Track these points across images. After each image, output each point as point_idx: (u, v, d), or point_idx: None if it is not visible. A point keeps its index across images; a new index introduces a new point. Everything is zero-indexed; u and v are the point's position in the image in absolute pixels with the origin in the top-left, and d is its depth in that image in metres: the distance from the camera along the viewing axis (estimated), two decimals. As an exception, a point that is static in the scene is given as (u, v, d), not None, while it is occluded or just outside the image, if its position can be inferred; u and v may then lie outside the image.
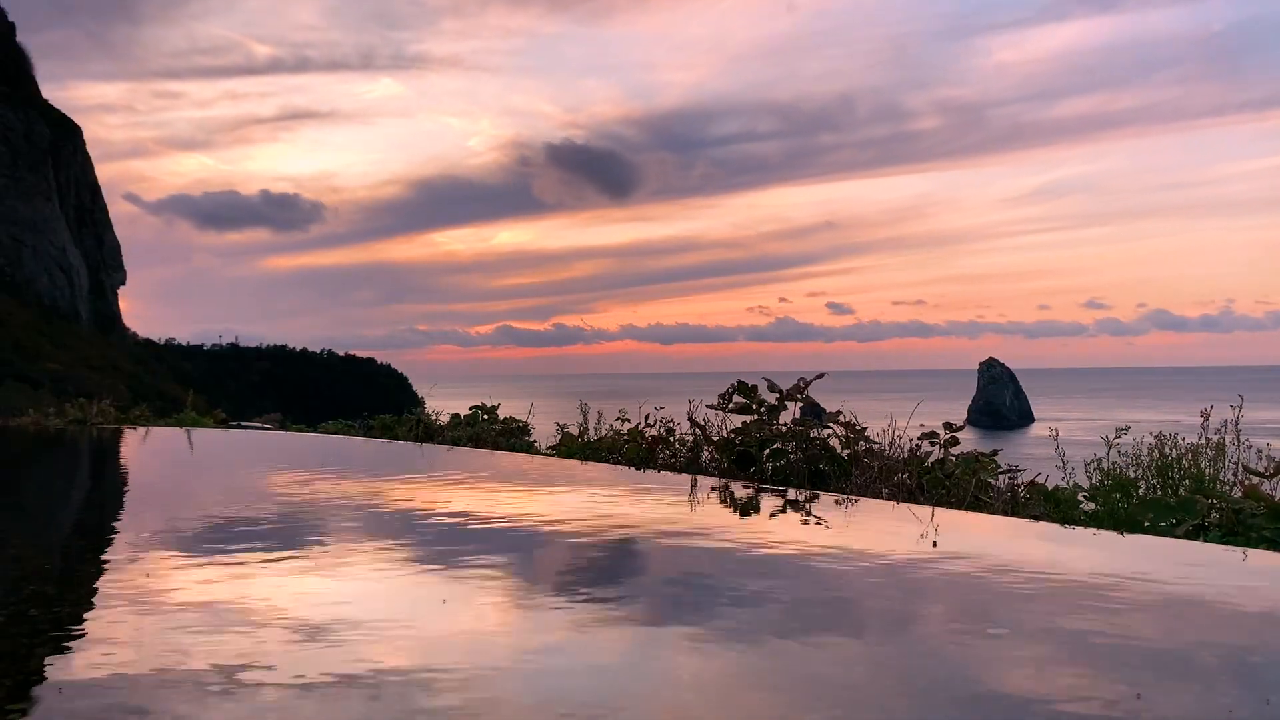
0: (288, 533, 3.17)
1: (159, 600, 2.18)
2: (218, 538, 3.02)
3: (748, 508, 3.82)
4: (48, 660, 1.76)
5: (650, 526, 3.25)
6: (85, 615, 2.13)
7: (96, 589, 2.39)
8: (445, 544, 2.96)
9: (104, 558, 2.81)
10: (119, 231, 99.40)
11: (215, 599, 2.19)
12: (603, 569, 2.65)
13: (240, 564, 2.60)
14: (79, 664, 1.73)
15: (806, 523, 3.47)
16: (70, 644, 1.87)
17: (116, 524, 3.57)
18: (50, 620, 2.07)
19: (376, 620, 2.02)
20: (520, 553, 2.85)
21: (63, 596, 2.33)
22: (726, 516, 3.59)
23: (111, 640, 1.88)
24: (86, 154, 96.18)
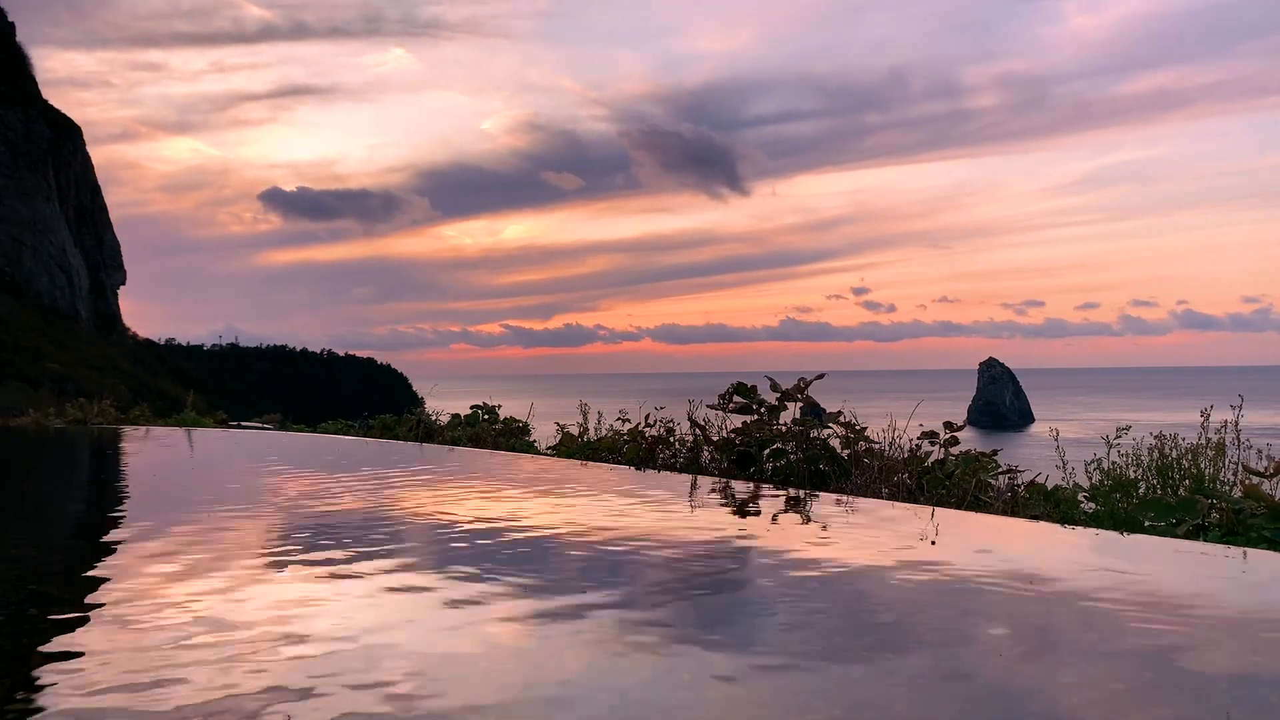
0: (286, 538, 3.17)
1: (158, 603, 2.18)
2: (216, 541, 3.02)
3: (747, 509, 3.82)
4: (47, 661, 1.76)
5: (652, 530, 3.25)
6: (84, 617, 2.12)
7: (96, 591, 2.39)
8: (444, 551, 2.96)
9: (103, 559, 2.81)
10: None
11: (213, 603, 2.18)
12: (605, 577, 2.65)
13: (239, 569, 2.60)
14: (77, 666, 1.73)
15: (807, 524, 3.47)
16: (69, 646, 1.87)
17: (116, 525, 3.56)
18: (50, 621, 2.07)
19: (376, 635, 2.01)
20: (521, 560, 2.85)
21: (63, 597, 2.33)
22: (727, 518, 3.59)
23: (111, 643, 1.88)
24: (86, 154, 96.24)
